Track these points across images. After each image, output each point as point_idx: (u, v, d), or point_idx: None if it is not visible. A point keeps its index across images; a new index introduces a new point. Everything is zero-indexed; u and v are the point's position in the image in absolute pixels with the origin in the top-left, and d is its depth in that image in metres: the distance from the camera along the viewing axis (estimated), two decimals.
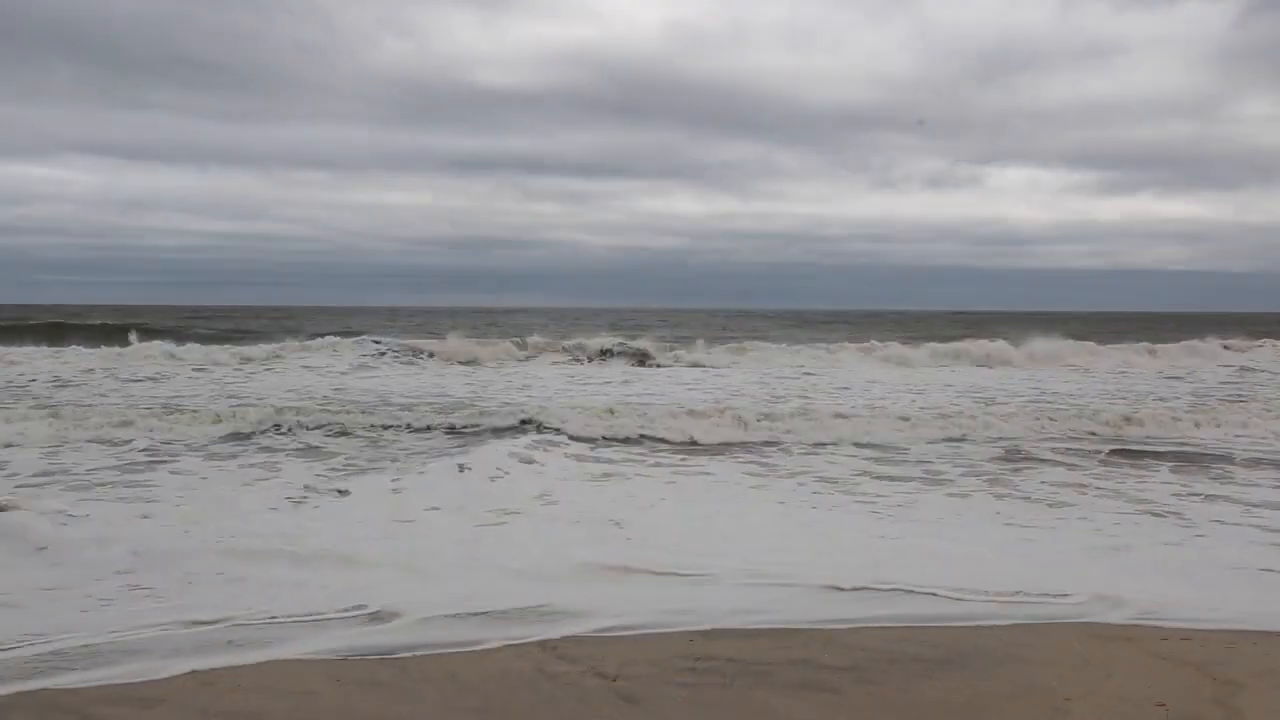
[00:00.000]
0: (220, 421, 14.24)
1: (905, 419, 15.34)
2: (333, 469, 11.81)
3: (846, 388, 22.74)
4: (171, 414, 14.76)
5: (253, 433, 13.82)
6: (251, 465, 12.11)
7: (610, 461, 12.50)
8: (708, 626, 5.87)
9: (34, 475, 11.18)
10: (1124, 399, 20.34)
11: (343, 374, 25.21)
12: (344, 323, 53.37)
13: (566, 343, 32.13)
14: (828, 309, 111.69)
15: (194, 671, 5.09)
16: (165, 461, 12.19)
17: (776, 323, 65.49)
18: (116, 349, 28.21)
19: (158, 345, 29.09)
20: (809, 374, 26.30)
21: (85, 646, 5.37)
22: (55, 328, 38.59)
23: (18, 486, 10.43)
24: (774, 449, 13.55)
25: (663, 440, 13.94)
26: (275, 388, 21.38)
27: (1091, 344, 33.26)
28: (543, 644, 5.54)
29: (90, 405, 16.63)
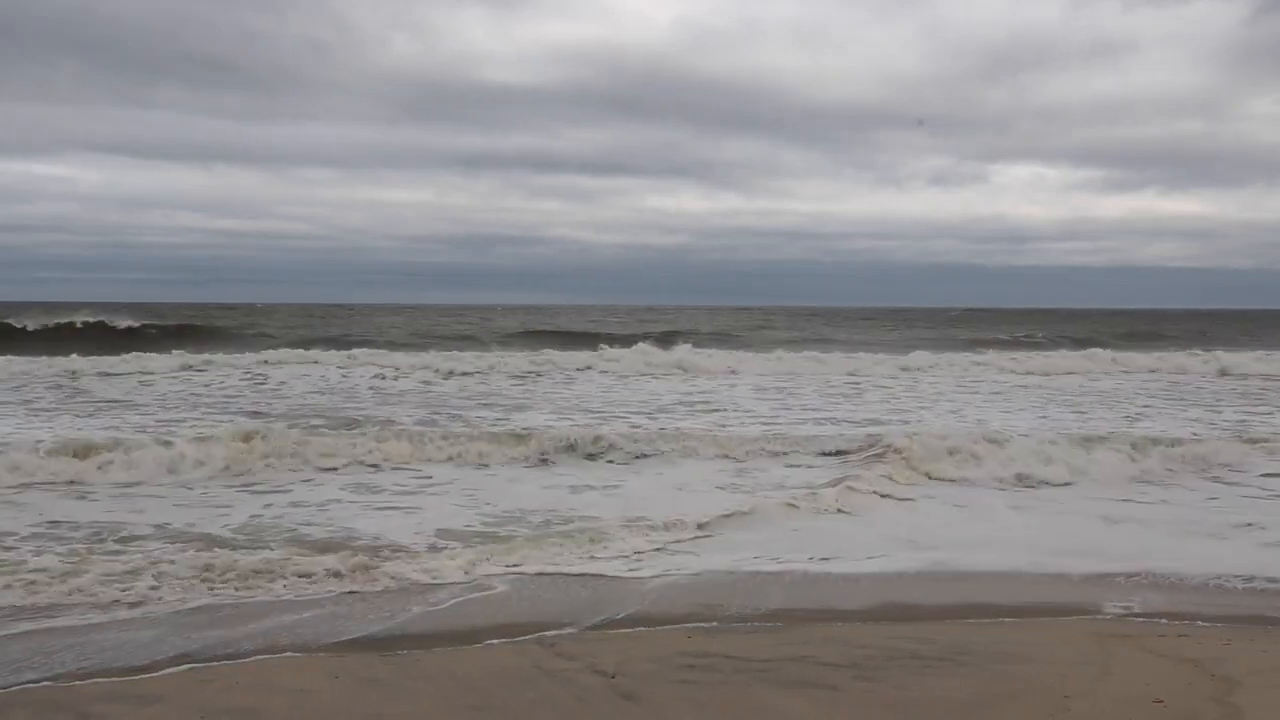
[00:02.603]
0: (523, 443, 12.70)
1: None
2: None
3: None
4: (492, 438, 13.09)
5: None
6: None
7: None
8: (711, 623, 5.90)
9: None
10: None
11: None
12: (347, 321, 53.05)
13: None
14: (827, 306, 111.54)
15: (192, 669, 5.10)
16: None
17: (807, 319, 63.92)
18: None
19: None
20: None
21: None
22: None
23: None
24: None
25: None
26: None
27: None
28: (540, 640, 5.54)
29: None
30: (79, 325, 33.95)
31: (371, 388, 21.38)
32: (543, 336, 38.19)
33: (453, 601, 6.45)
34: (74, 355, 24.03)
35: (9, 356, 23.50)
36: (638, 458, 12.29)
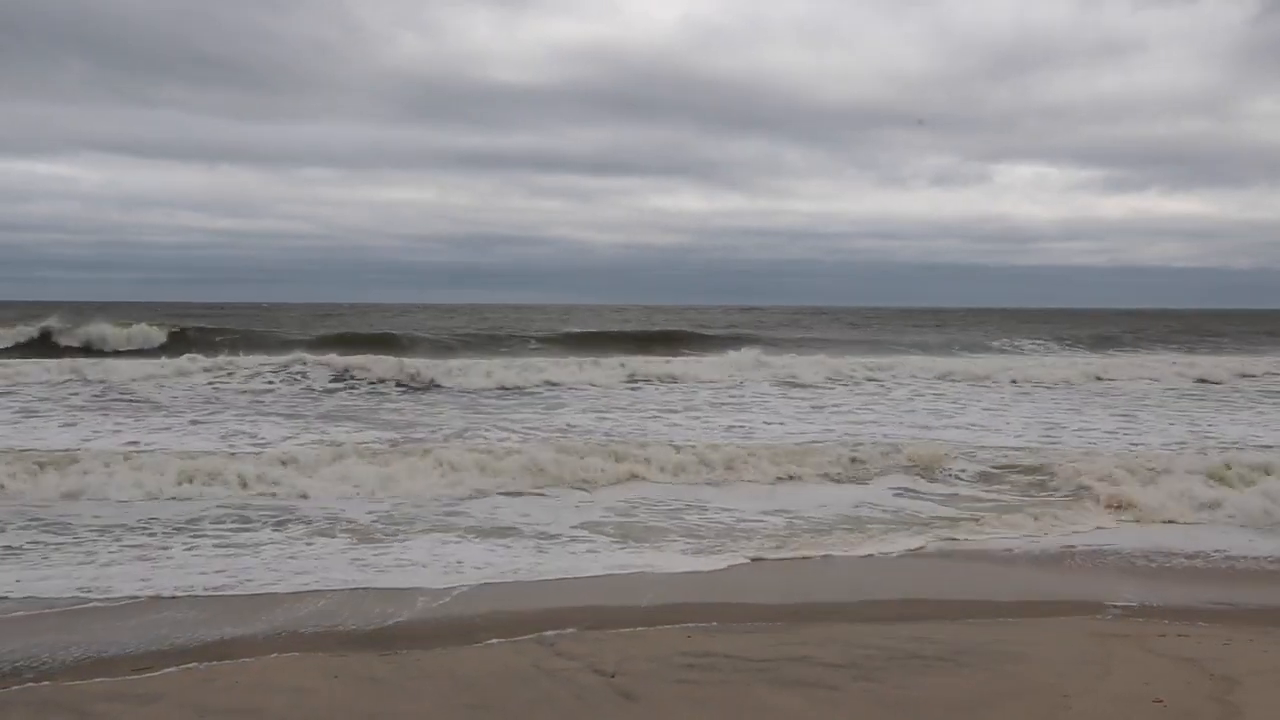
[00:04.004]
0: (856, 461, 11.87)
1: None
2: None
3: None
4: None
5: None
6: None
7: None
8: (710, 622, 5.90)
9: None
10: None
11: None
12: (353, 320, 52.80)
13: None
14: (833, 306, 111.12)
15: (193, 668, 5.10)
16: None
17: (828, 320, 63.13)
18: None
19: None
20: None
21: None
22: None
23: None
24: None
25: None
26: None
27: None
28: (540, 640, 5.55)
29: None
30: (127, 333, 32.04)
31: (400, 385, 20.94)
32: (547, 337, 37.03)
33: (453, 597, 6.48)
34: (108, 360, 23.43)
35: (40, 360, 22.89)
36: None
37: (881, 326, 53.90)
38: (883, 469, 11.60)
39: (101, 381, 20.55)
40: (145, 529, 8.57)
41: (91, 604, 6.36)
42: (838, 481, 11.16)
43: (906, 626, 5.85)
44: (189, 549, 7.94)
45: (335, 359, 23.70)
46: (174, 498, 9.68)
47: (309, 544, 8.18)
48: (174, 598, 6.48)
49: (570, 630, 5.74)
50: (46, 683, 4.89)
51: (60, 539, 8.17)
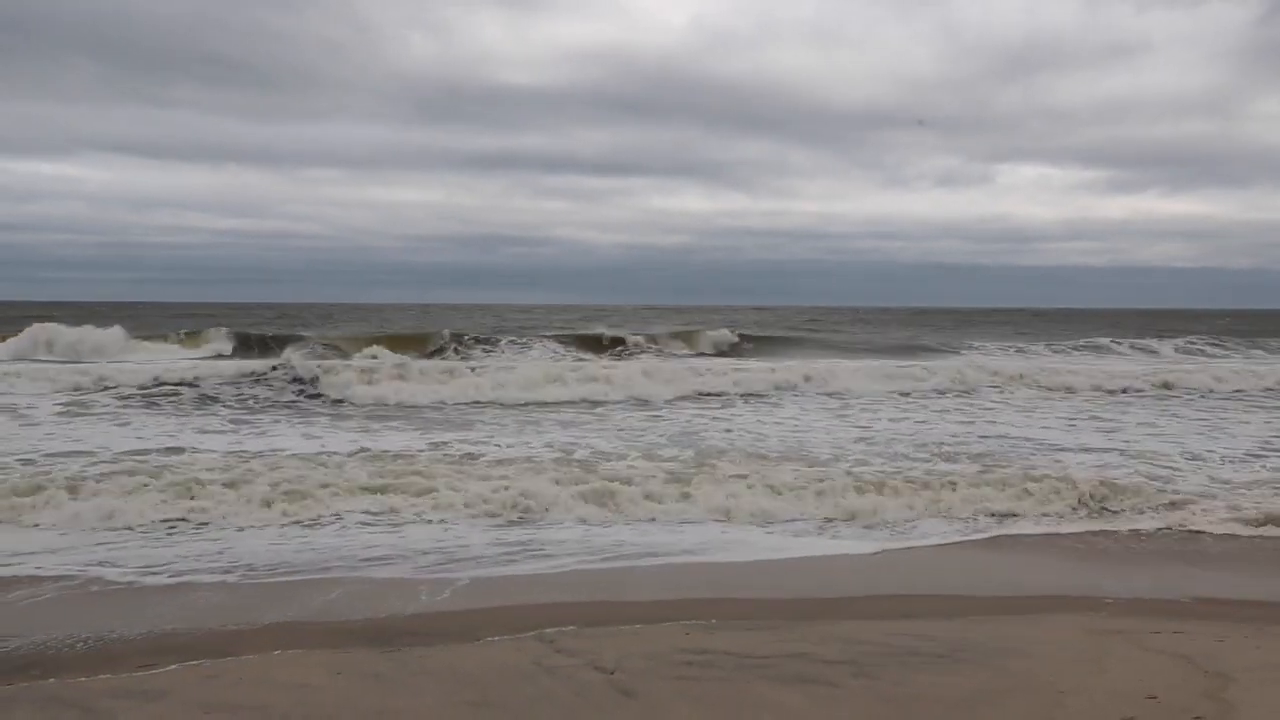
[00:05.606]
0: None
1: None
2: None
3: None
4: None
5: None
6: None
7: None
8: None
9: None
10: None
11: None
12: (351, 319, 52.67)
13: None
14: (833, 306, 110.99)
15: (198, 664, 5.14)
16: None
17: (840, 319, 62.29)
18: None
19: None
20: None
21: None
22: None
23: None
24: None
25: None
26: None
27: None
28: (540, 636, 5.59)
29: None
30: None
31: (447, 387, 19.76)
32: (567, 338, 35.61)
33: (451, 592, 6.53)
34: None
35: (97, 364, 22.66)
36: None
37: (902, 326, 53.76)
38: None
39: (180, 383, 18.97)
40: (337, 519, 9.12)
41: (149, 582, 6.84)
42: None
43: (905, 623, 5.89)
44: (340, 528, 8.74)
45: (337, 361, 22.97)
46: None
47: (454, 524, 8.88)
48: (176, 585, 6.54)
49: (570, 627, 5.79)
50: (52, 679, 4.94)
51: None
